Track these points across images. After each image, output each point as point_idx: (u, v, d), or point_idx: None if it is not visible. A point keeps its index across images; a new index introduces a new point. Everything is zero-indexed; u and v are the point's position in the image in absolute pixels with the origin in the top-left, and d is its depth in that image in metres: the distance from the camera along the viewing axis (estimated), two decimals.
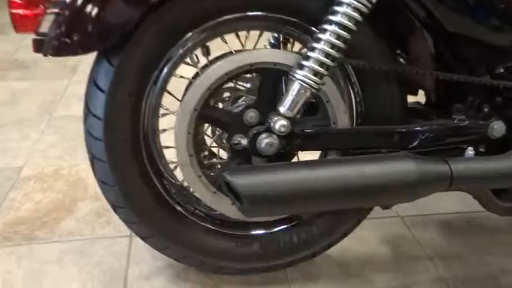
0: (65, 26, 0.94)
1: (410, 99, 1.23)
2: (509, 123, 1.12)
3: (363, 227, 1.26)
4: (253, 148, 1.01)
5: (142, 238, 1.16)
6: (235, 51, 1.06)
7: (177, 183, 1.15)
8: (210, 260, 1.17)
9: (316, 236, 1.19)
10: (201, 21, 1.02)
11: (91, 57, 1.05)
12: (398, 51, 1.26)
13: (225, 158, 1.12)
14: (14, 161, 1.70)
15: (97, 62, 1.03)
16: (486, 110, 1.12)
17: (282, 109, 0.98)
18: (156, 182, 1.10)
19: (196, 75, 1.08)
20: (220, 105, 1.11)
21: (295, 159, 1.14)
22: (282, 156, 1.04)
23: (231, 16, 1.02)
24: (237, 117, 1.04)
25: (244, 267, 1.21)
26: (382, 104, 1.13)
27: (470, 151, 1.07)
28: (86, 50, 0.97)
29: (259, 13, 1.02)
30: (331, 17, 0.95)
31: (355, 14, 0.95)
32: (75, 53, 0.97)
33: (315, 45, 0.96)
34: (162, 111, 1.10)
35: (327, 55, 0.96)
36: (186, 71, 1.10)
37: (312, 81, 0.96)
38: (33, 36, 0.98)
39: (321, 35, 0.96)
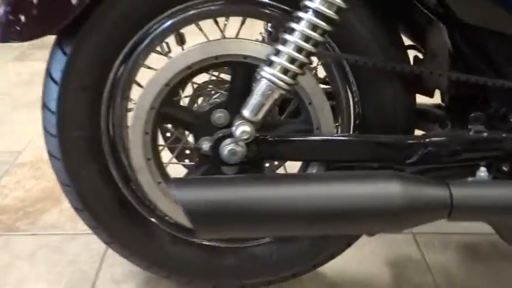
0: (9, 11, 0.85)
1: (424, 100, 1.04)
2: None
3: (365, 243, 1.09)
4: (215, 155, 0.87)
5: (106, 243, 1.06)
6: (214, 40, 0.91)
7: None
8: (177, 272, 1.06)
9: (300, 255, 1.04)
10: (169, 4, 0.89)
11: None
12: (413, 44, 1.08)
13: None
14: (15, 145, 1.66)
15: (52, 50, 0.93)
16: None
17: (246, 112, 0.83)
18: (120, 184, 0.99)
19: None
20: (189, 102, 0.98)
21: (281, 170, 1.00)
22: (255, 165, 0.90)
23: None
24: (203, 117, 0.91)
25: (217, 283, 1.08)
26: (381, 106, 0.95)
27: (482, 172, 0.87)
28: (32, 36, 0.87)
29: None
30: (308, 2, 0.78)
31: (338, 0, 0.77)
32: (21, 38, 0.88)
33: (287, 37, 0.79)
34: (131, 105, 0.98)
35: (300, 49, 0.79)
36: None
37: (282, 80, 0.80)
38: None
39: (294, 25, 0.79)
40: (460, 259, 1.21)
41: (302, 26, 0.78)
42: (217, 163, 0.88)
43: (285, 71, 0.80)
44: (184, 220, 0.95)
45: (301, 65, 0.80)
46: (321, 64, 1.04)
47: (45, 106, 0.94)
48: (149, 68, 0.98)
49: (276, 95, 0.81)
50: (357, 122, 0.97)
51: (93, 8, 0.87)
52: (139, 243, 1.03)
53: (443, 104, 1.04)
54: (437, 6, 0.87)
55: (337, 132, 0.98)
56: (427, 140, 0.90)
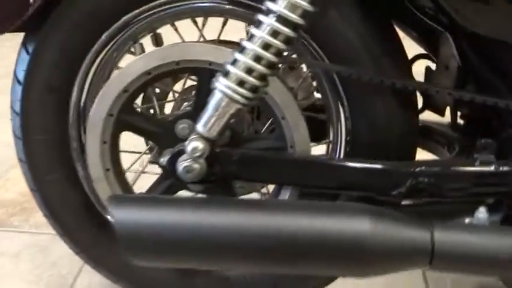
0: None
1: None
2: None
3: None
4: (172, 171, 0.79)
5: (75, 252, 1.01)
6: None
7: None
8: None
9: (278, 279, 0.94)
10: (132, 6, 0.81)
11: None
12: (426, 53, 0.94)
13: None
14: None
15: (19, 49, 0.88)
16: None
17: (199, 127, 0.73)
18: (88, 191, 0.94)
19: None
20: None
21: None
22: (224, 185, 0.80)
23: None
24: (167, 127, 0.82)
25: None
26: (373, 123, 0.83)
27: (481, 213, 0.72)
28: None
29: None
30: (269, 4, 0.67)
31: (302, 2, 0.65)
32: None
33: (245, 44, 0.69)
34: None
35: (259, 59, 0.68)
36: None
37: (238, 94, 0.69)
38: None
39: (253, 30, 0.68)
40: None
41: (262, 31, 0.67)
42: (176, 180, 0.79)
43: (242, 83, 0.69)
44: None
45: (263, 77, 0.70)
46: (311, 74, 0.93)
47: (11, 107, 0.90)
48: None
49: (232, 110, 0.71)
50: (348, 138, 0.86)
51: (54, 5, 0.81)
52: (106, 255, 0.97)
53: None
54: (438, 14, 0.73)
55: (329, 151, 0.88)
56: (417, 168, 0.76)
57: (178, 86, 0.99)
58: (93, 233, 0.95)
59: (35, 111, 0.88)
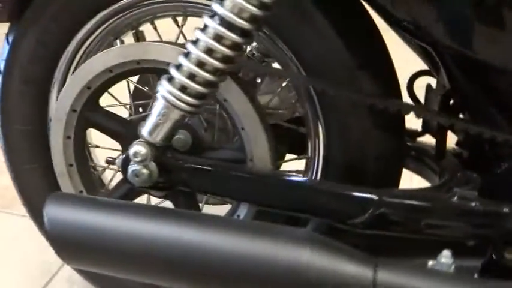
0: None
1: None
2: None
3: None
4: (123, 173, 0.76)
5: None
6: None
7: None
8: None
9: None
10: (101, 5, 0.80)
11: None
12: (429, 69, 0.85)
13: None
14: None
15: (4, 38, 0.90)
16: None
17: (144, 131, 0.70)
18: None
19: None
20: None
21: None
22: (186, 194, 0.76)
23: None
24: (130, 128, 0.80)
25: None
26: (347, 143, 0.75)
27: (444, 257, 0.62)
28: None
29: None
30: (215, 6, 0.62)
31: (249, 6, 0.59)
32: None
33: (189, 47, 0.64)
34: None
35: (202, 64, 0.63)
36: None
37: (180, 100, 0.65)
38: None
39: (199, 34, 0.63)
40: None
41: (206, 35, 0.62)
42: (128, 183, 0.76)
43: (185, 89, 0.65)
44: None
45: (209, 83, 0.65)
46: (291, 84, 0.87)
47: None
48: None
49: (175, 116, 0.66)
50: (325, 155, 0.79)
51: None
52: None
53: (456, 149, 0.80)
54: (417, 30, 0.64)
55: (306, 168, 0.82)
56: (382, 197, 0.67)
57: None
58: None
59: (15, 102, 0.89)
